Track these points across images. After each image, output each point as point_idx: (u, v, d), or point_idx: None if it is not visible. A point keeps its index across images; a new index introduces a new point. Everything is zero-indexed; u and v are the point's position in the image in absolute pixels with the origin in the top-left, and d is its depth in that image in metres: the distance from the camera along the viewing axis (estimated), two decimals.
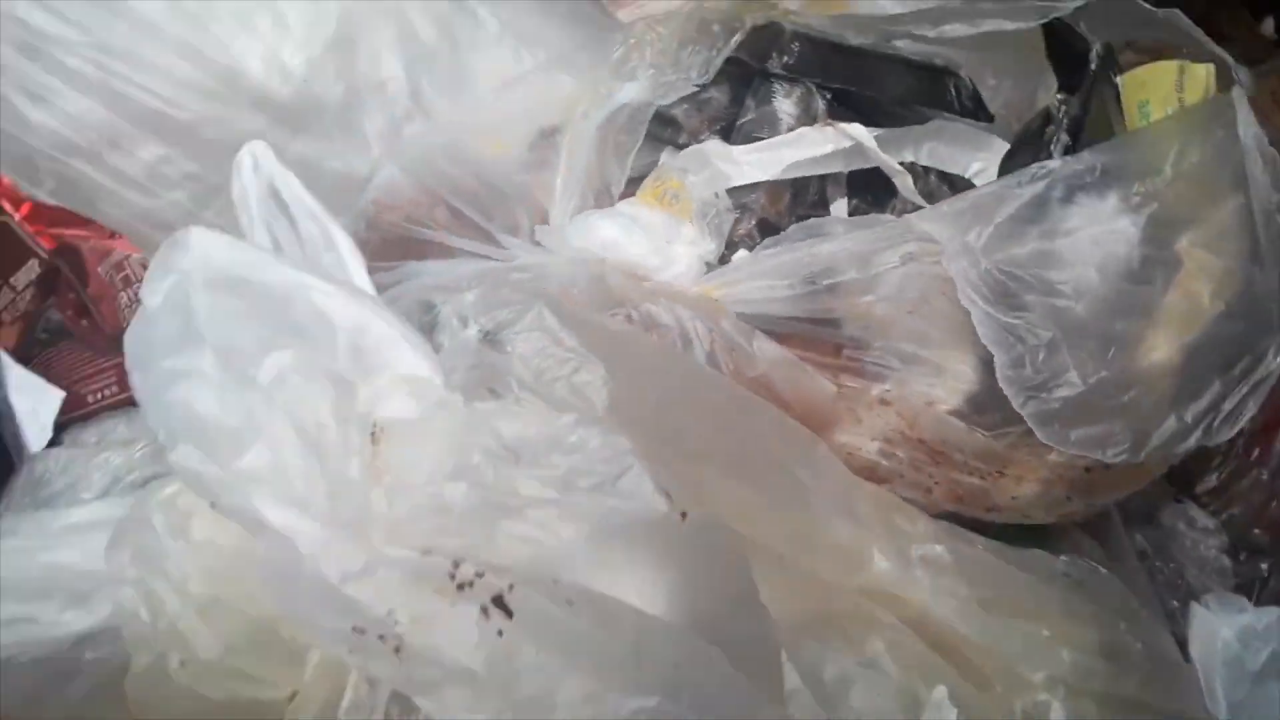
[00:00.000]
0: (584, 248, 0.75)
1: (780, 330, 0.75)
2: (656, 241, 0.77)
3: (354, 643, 0.37)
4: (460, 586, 0.38)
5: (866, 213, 0.84)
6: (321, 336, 0.44)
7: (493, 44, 0.86)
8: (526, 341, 0.53)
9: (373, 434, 0.41)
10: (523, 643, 0.37)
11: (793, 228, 0.76)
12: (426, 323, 0.55)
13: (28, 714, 0.47)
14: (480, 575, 0.38)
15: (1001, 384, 0.68)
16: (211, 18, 0.78)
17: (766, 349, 0.73)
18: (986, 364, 0.73)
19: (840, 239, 0.74)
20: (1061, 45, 0.78)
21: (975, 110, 0.78)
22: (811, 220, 0.76)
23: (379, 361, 0.44)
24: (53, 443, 0.80)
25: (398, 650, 0.37)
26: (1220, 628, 0.76)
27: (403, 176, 0.84)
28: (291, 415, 0.39)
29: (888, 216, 0.76)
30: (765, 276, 0.74)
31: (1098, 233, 0.70)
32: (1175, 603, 0.85)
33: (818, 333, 0.77)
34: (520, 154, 0.87)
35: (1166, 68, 0.72)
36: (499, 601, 0.37)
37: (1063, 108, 0.74)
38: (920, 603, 0.63)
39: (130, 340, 0.42)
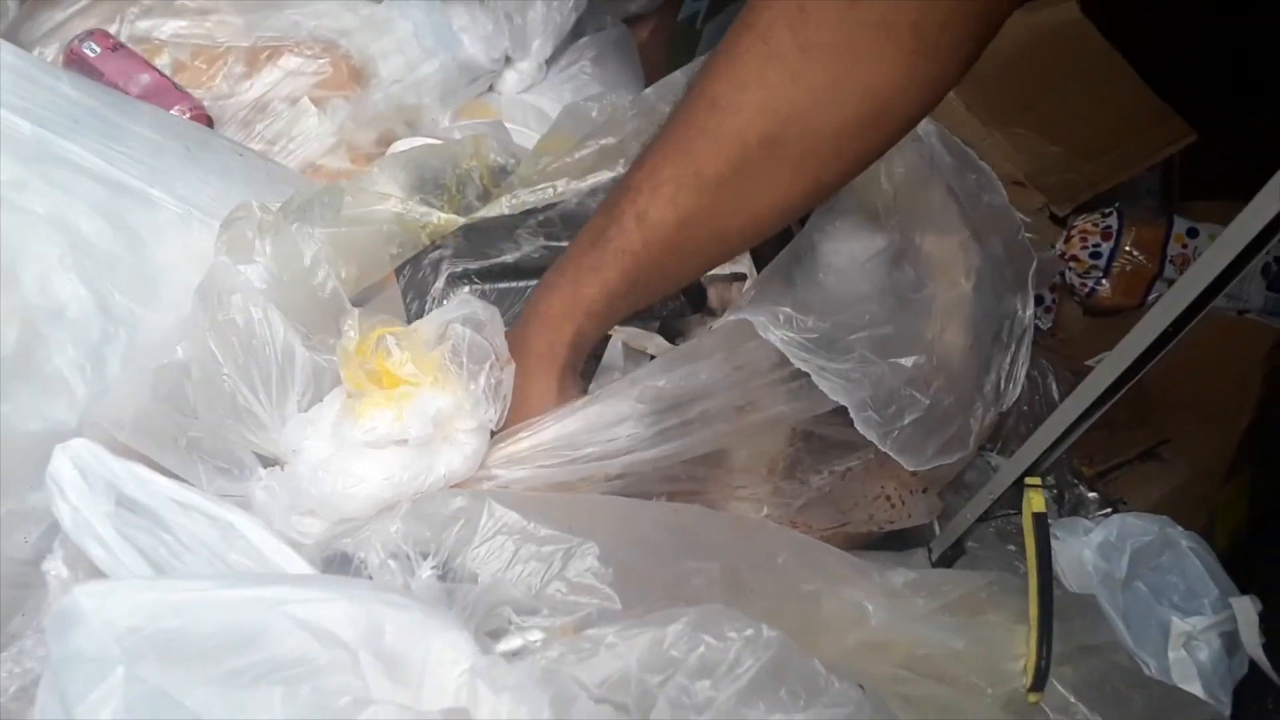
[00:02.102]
0: (350, 508, 0.52)
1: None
2: (424, 457, 0.55)
3: None
4: None
5: None
6: (328, 659, 0.32)
7: (177, 225, 0.72)
8: (494, 555, 0.43)
9: None
10: None
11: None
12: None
13: None
14: None
15: (861, 429, 0.68)
16: None
17: None
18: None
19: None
20: None
21: None
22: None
23: (414, 660, 0.33)
24: None
25: None
26: (1082, 551, 0.82)
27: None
28: None
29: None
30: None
31: (862, 260, 0.74)
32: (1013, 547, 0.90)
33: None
34: None
35: None
36: None
37: None
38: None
39: None
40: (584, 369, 0.70)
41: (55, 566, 0.56)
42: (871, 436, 0.68)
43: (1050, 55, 1.10)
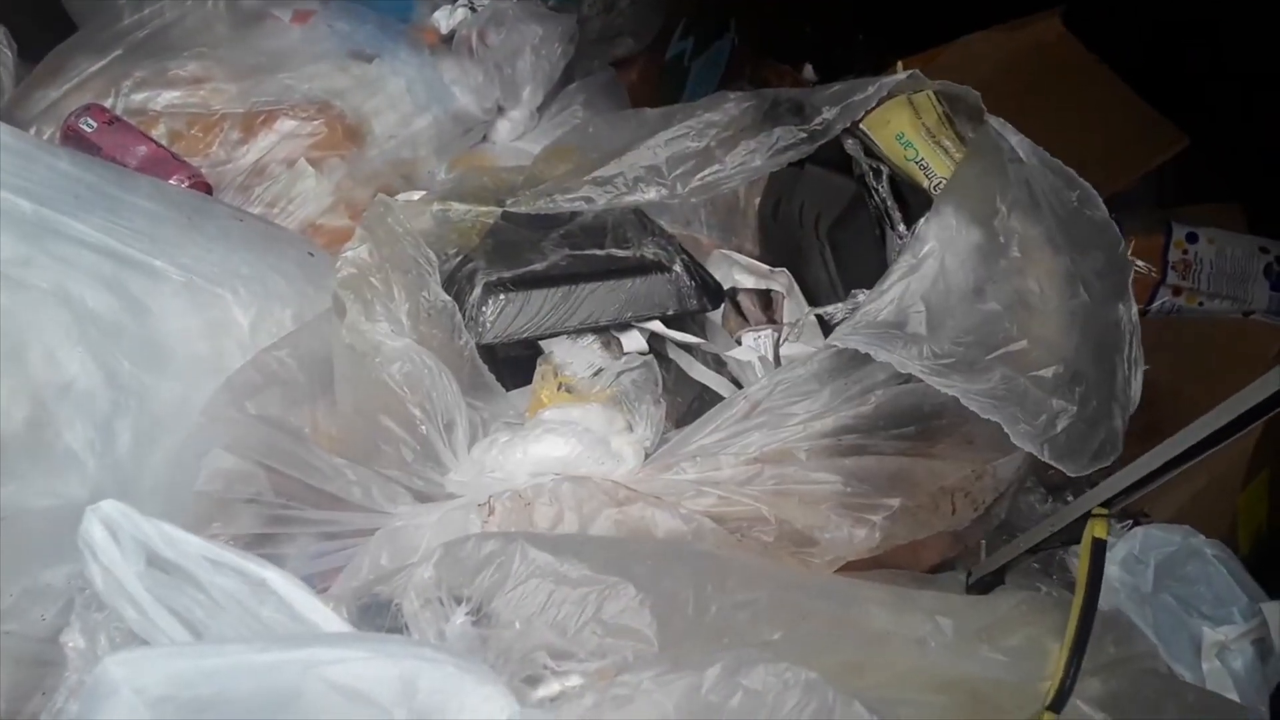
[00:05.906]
0: (537, 470, 0.66)
1: None
2: (597, 443, 0.69)
3: None
4: None
5: None
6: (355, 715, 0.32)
7: (181, 293, 0.72)
8: (528, 598, 0.43)
9: None
10: None
11: None
12: (386, 626, 0.43)
13: None
14: None
15: (1017, 442, 0.69)
16: None
17: None
18: None
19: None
20: None
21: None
22: None
23: (449, 716, 0.33)
24: None
25: None
26: (1107, 567, 0.80)
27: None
28: None
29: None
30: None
31: (988, 278, 0.74)
32: (1036, 564, 0.89)
33: None
34: None
35: (898, 103, 0.78)
36: None
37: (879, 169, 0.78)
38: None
39: None
40: None
41: (73, 638, 0.56)
42: (1028, 447, 0.69)
43: (1037, 70, 1.11)
